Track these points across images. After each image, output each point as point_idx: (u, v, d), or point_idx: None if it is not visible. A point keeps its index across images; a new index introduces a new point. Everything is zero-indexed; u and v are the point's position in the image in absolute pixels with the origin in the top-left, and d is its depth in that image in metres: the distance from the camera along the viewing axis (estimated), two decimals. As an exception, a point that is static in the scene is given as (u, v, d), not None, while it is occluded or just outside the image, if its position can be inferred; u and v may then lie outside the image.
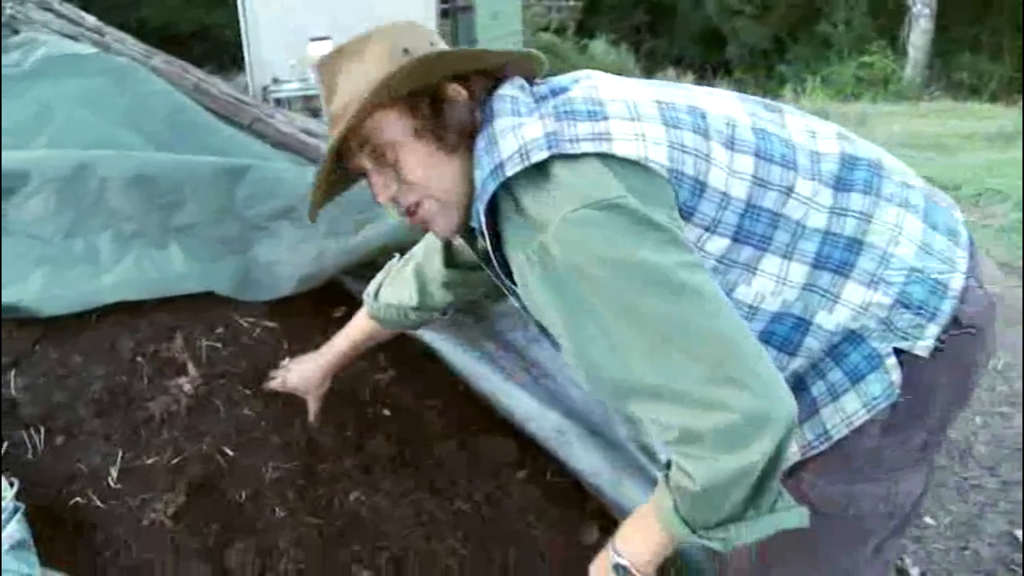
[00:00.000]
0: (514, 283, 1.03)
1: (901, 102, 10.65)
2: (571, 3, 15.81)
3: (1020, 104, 9.08)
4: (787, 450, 0.90)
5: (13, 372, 1.49)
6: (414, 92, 1.02)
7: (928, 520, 2.27)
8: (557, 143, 0.95)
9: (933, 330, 1.04)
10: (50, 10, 2.62)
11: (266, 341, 1.69)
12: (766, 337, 1.05)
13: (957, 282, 1.05)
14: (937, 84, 11.58)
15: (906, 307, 1.04)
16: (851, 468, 1.10)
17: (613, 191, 0.92)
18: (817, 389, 1.09)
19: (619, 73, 1.16)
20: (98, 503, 1.34)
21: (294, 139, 2.30)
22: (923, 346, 1.04)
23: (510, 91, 1.04)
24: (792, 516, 0.97)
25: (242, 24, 8.99)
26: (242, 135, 2.25)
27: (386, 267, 1.49)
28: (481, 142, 1.01)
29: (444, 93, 1.03)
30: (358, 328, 1.52)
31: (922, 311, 1.04)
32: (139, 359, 1.57)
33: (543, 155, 0.95)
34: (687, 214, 0.99)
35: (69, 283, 1.63)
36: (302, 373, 1.55)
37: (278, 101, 7.97)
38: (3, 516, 1.16)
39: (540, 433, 1.72)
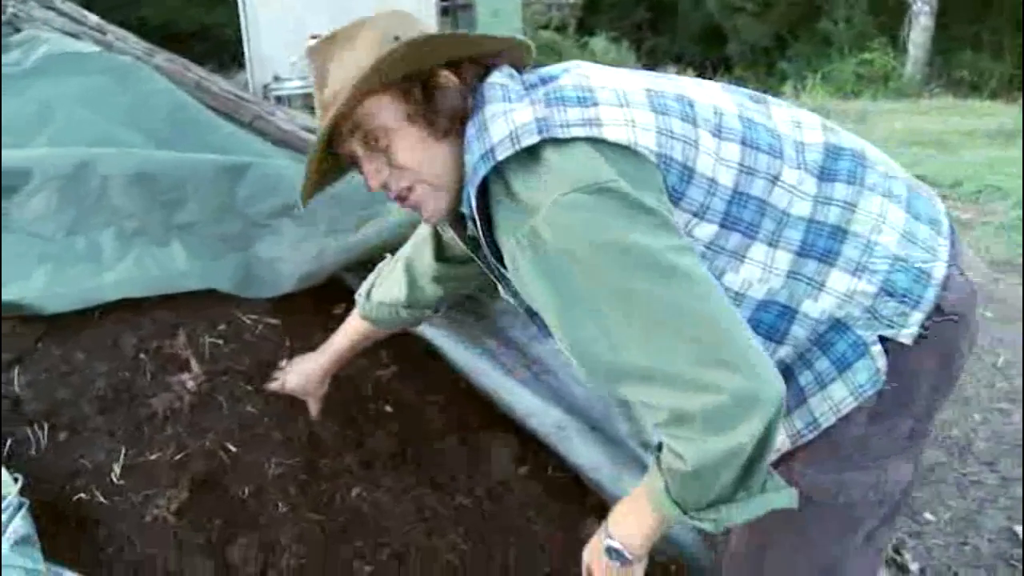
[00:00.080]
0: (505, 269, 1.04)
1: (901, 99, 10.66)
2: (571, 1, 15.79)
3: (1020, 102, 9.10)
4: (776, 431, 0.90)
5: (16, 369, 1.50)
6: (407, 78, 1.02)
7: (928, 516, 2.28)
8: (548, 128, 0.96)
9: (917, 317, 1.05)
10: (52, 8, 2.62)
11: (268, 338, 1.70)
12: (753, 325, 1.05)
13: (940, 270, 1.06)
14: (937, 81, 11.59)
15: (890, 295, 1.04)
16: (839, 456, 1.11)
17: (604, 175, 0.93)
18: (805, 378, 1.10)
19: (619, 71, 1.16)
20: (101, 499, 1.35)
21: (295, 137, 2.31)
22: (907, 334, 1.05)
23: (500, 79, 1.04)
24: (782, 496, 0.98)
25: (242, 22, 9.03)
26: (243, 133, 2.25)
27: (377, 268, 1.49)
28: (472, 127, 1.02)
29: (436, 79, 1.03)
30: (354, 328, 1.52)
31: (906, 299, 1.05)
32: (142, 356, 1.57)
33: (534, 139, 0.95)
34: (675, 199, 1.00)
35: (71, 280, 1.64)
36: (301, 375, 1.55)
37: (279, 99, 8.00)
38: (7, 512, 1.17)
39: (541, 429, 1.73)
